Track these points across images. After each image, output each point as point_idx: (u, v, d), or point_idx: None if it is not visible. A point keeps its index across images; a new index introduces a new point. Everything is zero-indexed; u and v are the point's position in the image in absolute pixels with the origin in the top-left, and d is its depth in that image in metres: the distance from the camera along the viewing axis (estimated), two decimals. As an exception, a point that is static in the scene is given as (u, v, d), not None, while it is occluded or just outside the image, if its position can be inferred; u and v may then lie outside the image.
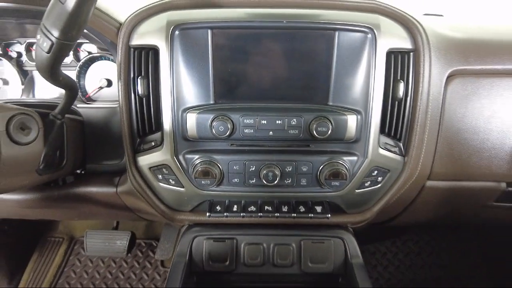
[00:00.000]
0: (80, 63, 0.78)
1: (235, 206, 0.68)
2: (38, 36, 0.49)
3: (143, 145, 0.66)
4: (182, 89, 0.61)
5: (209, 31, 0.59)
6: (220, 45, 0.60)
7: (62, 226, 1.40)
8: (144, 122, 0.64)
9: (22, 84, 0.81)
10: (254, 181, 0.64)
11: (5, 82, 0.82)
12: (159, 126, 0.64)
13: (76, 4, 0.46)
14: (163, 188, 0.67)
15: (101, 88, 0.79)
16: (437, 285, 1.27)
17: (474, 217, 0.85)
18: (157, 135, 0.64)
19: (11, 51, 0.81)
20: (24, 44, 0.79)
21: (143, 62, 0.62)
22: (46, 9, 0.48)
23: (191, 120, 0.61)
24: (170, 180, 0.66)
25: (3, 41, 0.80)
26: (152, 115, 0.64)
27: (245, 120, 0.61)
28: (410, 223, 0.92)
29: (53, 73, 0.54)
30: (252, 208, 0.68)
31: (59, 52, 0.50)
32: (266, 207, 0.67)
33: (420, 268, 1.32)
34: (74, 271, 1.30)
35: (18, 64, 0.81)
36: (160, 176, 0.66)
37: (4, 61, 0.81)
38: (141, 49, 0.62)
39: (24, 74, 0.81)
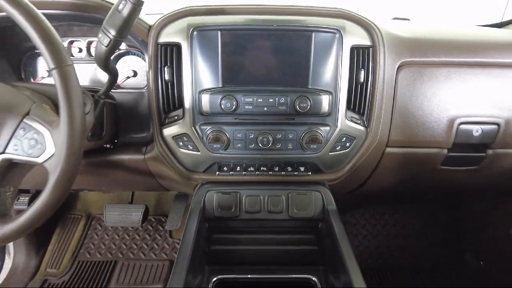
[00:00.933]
0: (112, 57, 0.97)
1: (238, 167, 0.88)
2: (100, 35, 0.69)
3: (167, 119, 0.86)
4: (198, 75, 0.81)
5: (219, 32, 0.79)
6: (226, 42, 0.80)
7: (80, 204, 1.58)
8: (169, 101, 0.84)
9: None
10: (252, 146, 0.85)
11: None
12: (180, 104, 0.84)
13: (129, 13, 0.66)
14: (182, 152, 0.87)
15: (128, 77, 0.99)
16: (405, 252, 1.49)
17: (428, 180, 1.06)
18: (179, 111, 0.84)
19: (74, 46, 1.00)
20: (85, 42, 0.98)
21: (168, 55, 0.82)
22: (107, 16, 0.68)
23: (205, 99, 0.81)
24: (189, 146, 0.86)
25: (69, 38, 0.99)
26: (176, 96, 0.84)
27: (245, 99, 0.81)
28: (376, 190, 1.13)
29: (106, 62, 0.74)
30: (251, 168, 0.88)
31: (114, 46, 0.70)
32: (261, 168, 0.88)
33: (394, 238, 1.53)
34: (93, 243, 1.48)
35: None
36: (181, 143, 0.86)
37: None
38: (167, 45, 0.82)
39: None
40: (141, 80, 0.99)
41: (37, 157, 0.57)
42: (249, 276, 0.81)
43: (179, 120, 0.84)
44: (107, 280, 1.33)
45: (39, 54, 1.00)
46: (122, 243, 1.47)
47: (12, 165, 0.59)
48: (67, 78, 0.55)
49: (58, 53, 0.54)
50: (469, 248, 1.46)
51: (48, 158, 0.56)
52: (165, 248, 1.46)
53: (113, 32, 0.68)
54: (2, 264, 1.50)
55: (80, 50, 0.99)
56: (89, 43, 0.98)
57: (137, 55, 0.98)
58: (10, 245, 1.41)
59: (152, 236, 1.49)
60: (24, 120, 0.57)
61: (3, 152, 0.57)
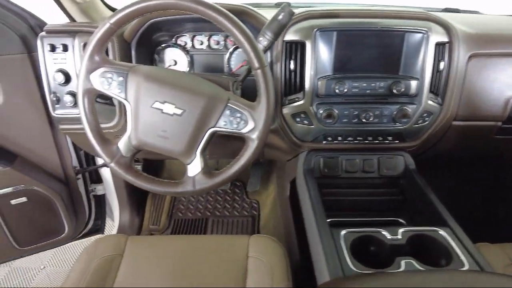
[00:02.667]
0: (231, 49, 1.20)
1: (339, 137, 1.13)
2: (260, 38, 0.92)
3: (287, 100, 1.10)
4: (317, 66, 1.05)
5: (335, 32, 1.02)
6: (340, 40, 1.03)
7: (165, 173, 1.85)
8: (291, 86, 1.08)
9: (188, 64, 1.23)
10: (355, 120, 1.09)
11: (175, 63, 1.24)
12: (301, 88, 1.08)
13: (286, 21, 0.89)
14: (298, 126, 1.12)
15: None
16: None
17: (484, 148, 1.33)
18: (299, 94, 1.08)
19: (180, 41, 1.22)
20: (190, 37, 1.21)
21: (293, 50, 1.05)
22: (266, 23, 0.90)
23: (322, 84, 1.05)
24: (304, 121, 1.10)
25: (176, 34, 1.21)
26: (297, 82, 1.07)
27: (353, 84, 1.05)
28: (440, 154, 1.37)
29: None
30: (350, 138, 1.13)
31: (270, 46, 0.93)
32: (358, 138, 1.13)
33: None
34: (182, 204, 1.76)
35: (185, 50, 1.22)
36: (298, 119, 1.10)
37: (175, 48, 1.22)
38: (291, 42, 1.05)
39: (190, 57, 1.23)
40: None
41: (241, 130, 0.81)
42: (353, 219, 1.08)
43: (299, 101, 1.08)
44: (204, 233, 1.62)
45: (168, 47, 1.22)
46: (208, 203, 1.75)
47: (212, 137, 0.84)
48: (267, 76, 0.79)
49: (260, 57, 0.78)
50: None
51: (250, 131, 0.81)
52: (245, 207, 1.74)
53: (271, 35, 0.91)
54: (104, 225, 1.78)
55: (201, 43, 1.22)
56: (210, 36, 1.21)
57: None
58: (116, 208, 1.68)
59: (231, 197, 1.77)
60: (228, 104, 0.81)
61: (214, 127, 0.82)
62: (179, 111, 0.81)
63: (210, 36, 1.21)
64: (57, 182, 1.45)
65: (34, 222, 1.45)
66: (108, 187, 1.64)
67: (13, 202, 1.36)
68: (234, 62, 1.22)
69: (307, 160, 1.15)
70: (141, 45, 1.14)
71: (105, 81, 0.82)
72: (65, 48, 1.07)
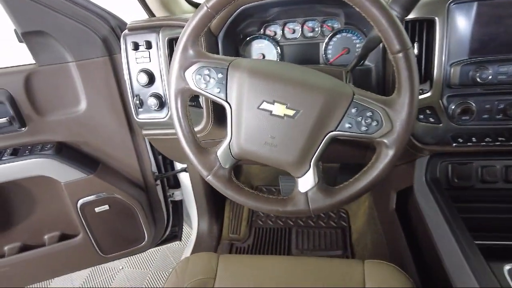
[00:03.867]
0: (329, 36, 1.02)
1: (473, 137, 0.89)
2: None
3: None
4: (450, 48, 0.83)
5: (475, 4, 0.79)
6: (481, 13, 0.79)
7: (243, 177, 1.73)
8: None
9: (278, 57, 1.07)
10: (500, 116, 0.85)
11: (263, 57, 1.09)
12: (427, 78, 0.86)
13: None
14: (420, 125, 0.90)
15: (342, 55, 1.03)
16: None
17: None
18: (425, 85, 0.87)
19: (269, 31, 1.07)
20: (281, 25, 1.05)
21: (417, 31, 0.84)
22: None
23: (455, 71, 0.83)
24: (430, 119, 0.89)
25: (265, 23, 1.05)
26: (422, 71, 0.86)
27: (500, 69, 0.81)
28: None
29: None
30: (488, 139, 0.88)
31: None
32: (499, 138, 0.88)
33: None
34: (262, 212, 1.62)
35: (275, 41, 1.06)
36: (421, 116, 0.89)
37: (263, 40, 1.07)
38: (415, 21, 0.83)
39: (280, 49, 1.07)
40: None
41: (372, 133, 0.63)
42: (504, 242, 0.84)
43: (424, 93, 0.87)
44: (288, 244, 1.46)
45: (255, 39, 1.07)
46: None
47: (330, 143, 0.67)
48: (411, 60, 0.59)
49: (403, 37, 0.59)
50: None
51: (384, 134, 0.62)
52: (332, 216, 1.55)
53: (400, 11, 0.70)
54: (181, 231, 1.71)
55: (293, 31, 1.05)
56: (303, 23, 1.03)
57: (352, 32, 1.01)
58: (194, 215, 1.59)
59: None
60: (354, 99, 0.63)
61: (334, 130, 0.65)
62: (291, 113, 0.65)
63: (304, 23, 1.04)
64: (137, 189, 1.40)
65: (116, 230, 1.42)
66: (186, 192, 1.56)
67: (97, 210, 1.33)
68: (331, 52, 1.04)
69: (431, 167, 0.93)
70: (228, 38, 1.00)
71: (202, 79, 0.68)
72: (149, 45, 0.97)
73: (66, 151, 1.22)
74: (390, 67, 0.91)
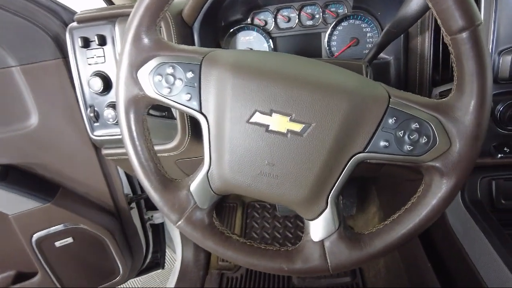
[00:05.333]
0: (333, 24, 0.81)
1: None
2: None
3: (436, 93, 0.69)
4: (499, 31, 0.63)
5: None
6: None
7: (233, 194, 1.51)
8: (445, 70, 0.67)
9: (269, 50, 0.86)
10: None
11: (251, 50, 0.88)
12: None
13: None
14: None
15: (350, 46, 0.83)
16: None
17: None
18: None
19: (259, 19, 0.86)
20: (273, 12, 0.84)
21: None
22: None
23: (505, 62, 0.63)
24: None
25: (253, 10, 0.84)
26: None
27: None
28: None
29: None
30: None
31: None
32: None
33: None
34: (255, 232, 1.42)
35: (266, 32, 0.85)
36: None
37: (251, 31, 0.86)
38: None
39: (273, 42, 0.86)
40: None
41: (420, 155, 0.42)
42: None
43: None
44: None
45: (241, 30, 0.86)
46: (287, 231, 1.38)
47: (356, 166, 0.46)
48: (480, 43, 0.39)
49: (470, 7, 0.38)
50: None
51: (439, 156, 0.42)
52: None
53: None
54: (164, 258, 1.49)
55: (288, 20, 0.84)
56: (301, 9, 0.83)
57: (361, 19, 0.81)
58: (177, 240, 1.37)
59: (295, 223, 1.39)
60: (391, 105, 0.43)
61: (363, 151, 0.44)
62: (298, 127, 0.44)
63: (301, 9, 0.83)
64: (107, 215, 1.18)
65: (83, 266, 1.20)
66: (167, 215, 1.33)
67: (58, 244, 1.10)
68: (336, 43, 0.84)
69: (469, 185, 0.73)
70: (207, 29, 0.79)
71: (163, 81, 0.47)
72: (103, 40, 0.74)
73: (14, 176, 0.99)
74: (414, 61, 0.71)
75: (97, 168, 1.07)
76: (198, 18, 0.75)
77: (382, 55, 0.76)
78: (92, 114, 0.79)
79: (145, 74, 0.47)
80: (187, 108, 0.47)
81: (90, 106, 0.79)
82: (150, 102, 0.49)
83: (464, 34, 0.39)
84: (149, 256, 1.43)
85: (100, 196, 1.14)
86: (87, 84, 0.77)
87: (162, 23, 0.69)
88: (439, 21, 0.40)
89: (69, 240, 1.11)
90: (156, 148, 0.73)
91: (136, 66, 0.47)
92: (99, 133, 0.82)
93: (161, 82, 0.47)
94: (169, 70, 0.47)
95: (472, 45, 0.39)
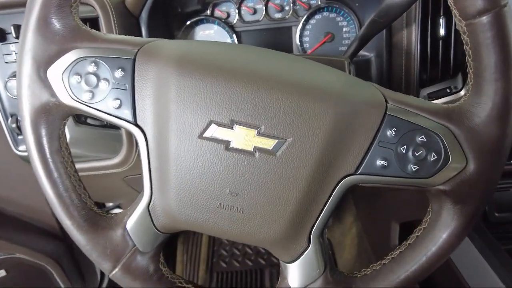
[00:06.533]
0: (305, 16, 0.71)
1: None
2: None
3: (425, 94, 0.61)
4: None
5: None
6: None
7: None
8: (438, 66, 0.58)
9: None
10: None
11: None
12: (457, 71, 0.58)
13: None
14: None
15: (324, 42, 0.73)
16: None
17: None
18: (455, 81, 0.59)
19: (220, 11, 0.74)
20: (236, 4, 0.73)
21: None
22: None
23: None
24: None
25: (212, 1, 0.73)
26: (451, 59, 0.58)
27: None
28: None
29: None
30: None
31: None
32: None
33: None
34: (225, 249, 1.28)
35: (228, 25, 0.74)
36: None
37: (211, 24, 0.75)
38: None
39: (237, 37, 0.75)
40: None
41: (427, 178, 0.32)
42: None
43: (454, 93, 0.59)
44: (261, 292, 1.14)
45: (199, 23, 0.74)
46: (259, 257, 1.25)
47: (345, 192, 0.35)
48: (506, 29, 0.29)
49: None
50: None
51: (453, 177, 0.32)
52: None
53: None
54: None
55: (254, 12, 0.74)
56: (241, 1, 0.72)
57: (337, 12, 0.72)
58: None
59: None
60: (389, 112, 0.32)
61: (355, 173, 0.33)
62: (269, 144, 0.33)
63: (268, 0, 0.72)
64: (50, 239, 1.02)
65: None
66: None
67: (-14, 278, 0.93)
68: (309, 39, 0.74)
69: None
70: (157, 20, 0.66)
71: (83, 83, 0.34)
72: None
73: None
74: (398, 58, 0.62)
75: (34, 185, 0.91)
76: (146, 6, 0.62)
77: (361, 52, 0.67)
78: (14, 125, 0.63)
79: (57, 73, 0.34)
80: (116, 119, 0.34)
81: (12, 115, 0.64)
82: (67, 111, 0.36)
83: (485, 18, 0.29)
84: (106, 279, 1.27)
85: (40, 218, 0.98)
86: (5, 88, 0.61)
87: (100, 12, 0.56)
88: (450, 1, 0.31)
89: (2, 273, 0.94)
90: (98, 164, 0.60)
91: (44, 62, 0.34)
92: (24, 148, 0.66)
93: (80, 85, 0.34)
94: (91, 67, 0.34)
95: (496, 32, 0.29)
